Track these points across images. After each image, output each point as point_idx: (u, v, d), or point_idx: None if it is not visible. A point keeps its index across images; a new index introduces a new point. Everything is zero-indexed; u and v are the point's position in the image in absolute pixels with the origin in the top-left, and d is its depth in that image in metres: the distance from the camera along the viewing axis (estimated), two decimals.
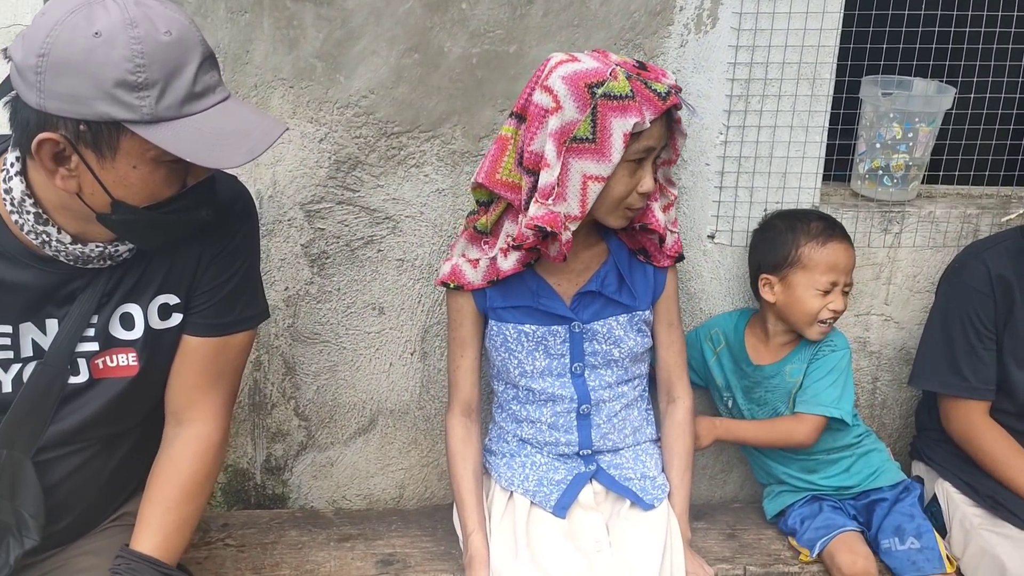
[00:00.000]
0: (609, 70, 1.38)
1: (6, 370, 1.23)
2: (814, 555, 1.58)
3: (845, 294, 1.62)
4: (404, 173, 1.71)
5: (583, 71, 1.39)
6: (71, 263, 1.20)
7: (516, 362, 1.59)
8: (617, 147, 1.38)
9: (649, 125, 1.39)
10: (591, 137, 1.38)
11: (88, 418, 1.27)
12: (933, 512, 1.66)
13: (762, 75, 1.68)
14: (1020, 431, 1.59)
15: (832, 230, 1.62)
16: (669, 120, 1.46)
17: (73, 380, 1.25)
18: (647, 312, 1.61)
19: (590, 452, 1.59)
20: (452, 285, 1.58)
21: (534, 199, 1.41)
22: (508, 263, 1.53)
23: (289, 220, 1.73)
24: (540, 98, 1.40)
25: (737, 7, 1.64)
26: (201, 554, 1.63)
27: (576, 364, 1.59)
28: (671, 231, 1.57)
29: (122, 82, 1.03)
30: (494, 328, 1.60)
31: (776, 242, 1.64)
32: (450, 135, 1.70)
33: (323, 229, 1.74)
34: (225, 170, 1.21)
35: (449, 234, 1.75)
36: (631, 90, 1.37)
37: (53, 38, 1.03)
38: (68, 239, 1.17)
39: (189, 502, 1.29)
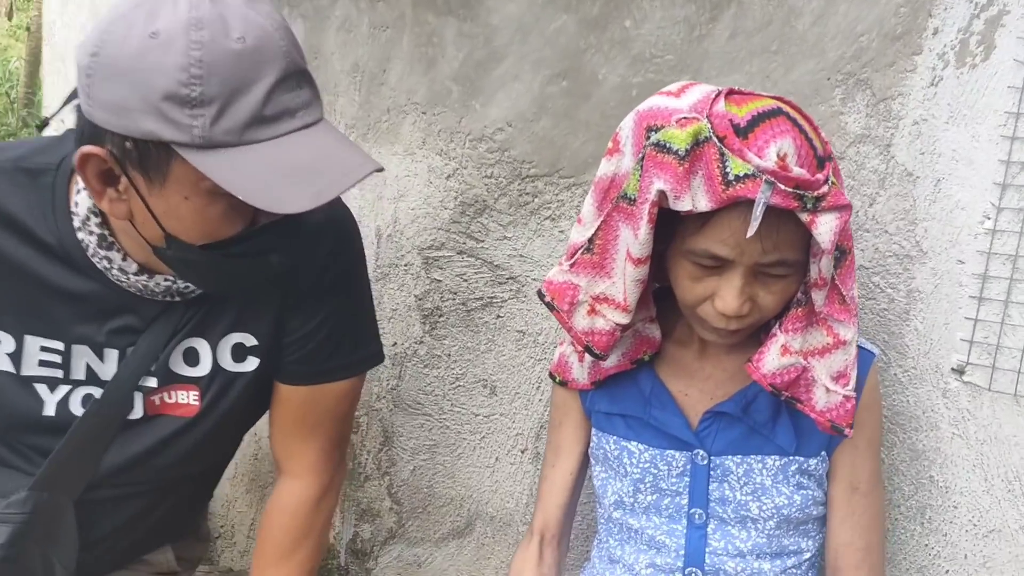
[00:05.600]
0: (681, 116, 0.91)
1: (52, 389, 1.08)
2: None
3: None
4: (536, 225, 1.39)
5: (658, 109, 0.95)
6: (135, 293, 1.05)
7: (615, 488, 1.15)
8: (644, 219, 0.93)
9: (690, 207, 0.90)
10: (634, 197, 0.95)
11: (136, 457, 1.11)
12: None
13: None
14: None
15: None
16: (790, 222, 0.91)
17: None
18: (814, 462, 1.08)
19: None
20: (558, 379, 1.21)
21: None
22: (612, 358, 1.13)
23: (406, 265, 1.50)
24: None
25: None
26: None
27: (696, 510, 1.11)
28: (830, 389, 1.01)
29: (172, 95, 0.82)
30: (595, 438, 1.19)
31: None
32: None
33: (440, 281, 1.47)
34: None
35: None
36: (688, 148, 0.89)
37: (108, 35, 0.85)
38: (133, 268, 1.01)
39: (283, 562, 1.18)
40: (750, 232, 0.88)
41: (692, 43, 1.25)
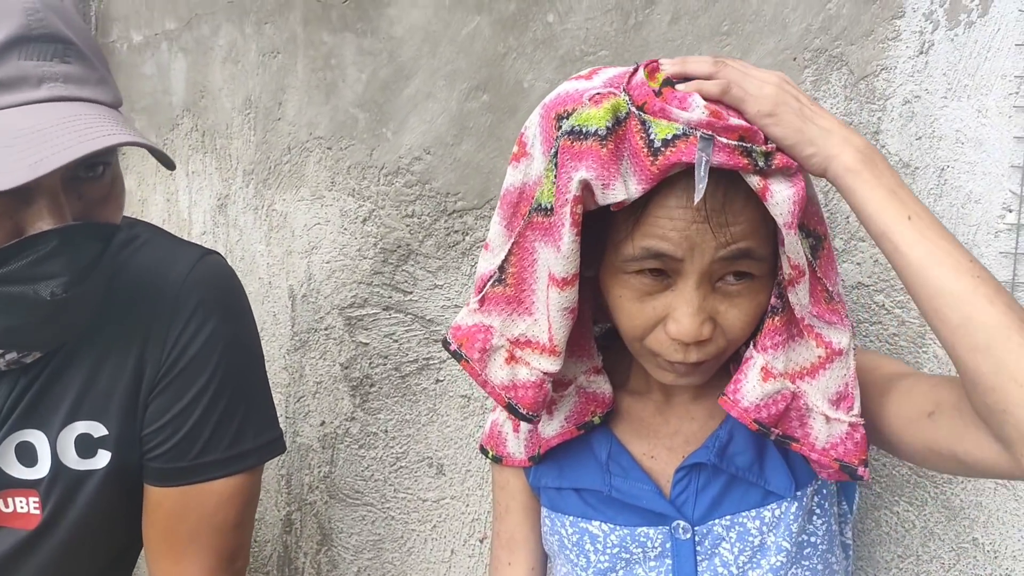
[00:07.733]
0: (594, 92, 0.72)
1: None
2: None
3: None
4: (470, 269, 1.17)
5: (567, 94, 0.75)
6: None
7: None
8: (567, 224, 0.71)
9: (623, 196, 0.70)
10: (549, 206, 0.74)
11: None
12: None
13: None
14: None
15: None
16: (739, 197, 0.71)
17: None
18: (810, 491, 0.85)
19: None
20: (491, 454, 0.98)
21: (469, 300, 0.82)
22: (553, 424, 0.90)
23: (327, 329, 1.27)
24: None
25: None
26: None
27: None
28: (831, 417, 0.77)
29: None
30: (546, 522, 0.95)
31: None
32: None
33: (367, 344, 1.25)
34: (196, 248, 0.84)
35: None
36: (609, 126, 0.69)
37: None
38: None
39: None
40: (697, 196, 0.68)
41: (628, 33, 1.05)
